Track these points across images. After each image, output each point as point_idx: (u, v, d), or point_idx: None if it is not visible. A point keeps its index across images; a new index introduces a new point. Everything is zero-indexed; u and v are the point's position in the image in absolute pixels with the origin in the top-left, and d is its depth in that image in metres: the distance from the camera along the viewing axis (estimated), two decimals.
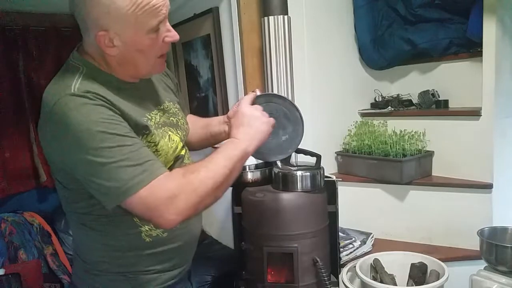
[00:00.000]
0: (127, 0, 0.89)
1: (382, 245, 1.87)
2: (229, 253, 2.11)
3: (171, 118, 1.13)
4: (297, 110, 1.22)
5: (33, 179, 2.51)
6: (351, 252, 1.78)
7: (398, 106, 2.09)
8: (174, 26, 1.00)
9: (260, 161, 1.60)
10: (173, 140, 1.10)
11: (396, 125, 2.01)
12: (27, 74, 2.43)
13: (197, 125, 1.32)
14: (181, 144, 1.14)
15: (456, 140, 1.89)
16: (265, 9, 1.74)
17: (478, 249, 1.54)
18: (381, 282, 1.51)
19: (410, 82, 2.23)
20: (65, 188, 1.02)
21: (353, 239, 1.85)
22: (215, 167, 0.95)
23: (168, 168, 0.98)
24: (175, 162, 1.11)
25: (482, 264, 1.53)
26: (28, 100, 2.43)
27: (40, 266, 2.23)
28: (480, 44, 1.77)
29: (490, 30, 1.71)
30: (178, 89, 1.28)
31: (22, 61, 2.42)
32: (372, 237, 1.89)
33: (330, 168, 2.11)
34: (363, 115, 2.22)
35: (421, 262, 1.57)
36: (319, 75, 2.04)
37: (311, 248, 1.43)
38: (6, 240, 2.24)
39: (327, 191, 1.52)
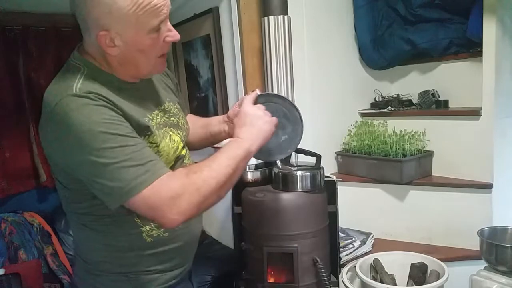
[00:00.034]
0: (128, 0, 0.89)
1: (382, 245, 1.87)
2: (229, 253, 2.11)
3: (171, 119, 1.13)
4: (297, 110, 1.22)
5: (33, 179, 2.51)
6: (351, 252, 1.78)
7: (398, 106, 2.09)
8: (174, 26, 1.00)
9: (260, 161, 1.60)
10: (174, 141, 1.10)
11: (396, 125, 2.01)
12: (27, 74, 2.43)
13: (196, 124, 1.32)
14: (181, 145, 1.14)
15: (456, 140, 1.89)
16: (265, 9, 1.74)
17: (478, 249, 1.54)
18: (381, 282, 1.51)
19: (410, 82, 2.23)
20: (66, 188, 1.02)
21: (353, 239, 1.85)
22: (218, 166, 0.95)
23: (169, 168, 0.98)
24: (176, 163, 1.11)
25: (482, 264, 1.53)
26: (28, 100, 2.43)
27: (40, 266, 2.23)
28: (480, 44, 1.77)
29: (490, 30, 1.71)
30: (178, 89, 1.28)
31: (22, 61, 2.41)
32: (372, 237, 1.89)
33: (330, 168, 2.11)
34: (363, 115, 2.22)
35: (421, 262, 1.57)
36: (319, 75, 2.04)
37: (311, 248, 1.43)
38: (6, 240, 2.23)
39: (327, 191, 1.52)
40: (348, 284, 1.51)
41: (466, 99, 1.95)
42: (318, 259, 1.42)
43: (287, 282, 1.46)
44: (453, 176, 1.90)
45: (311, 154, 1.46)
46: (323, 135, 2.07)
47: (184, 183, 0.91)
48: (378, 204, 1.98)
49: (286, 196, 1.44)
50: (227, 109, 1.40)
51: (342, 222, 1.70)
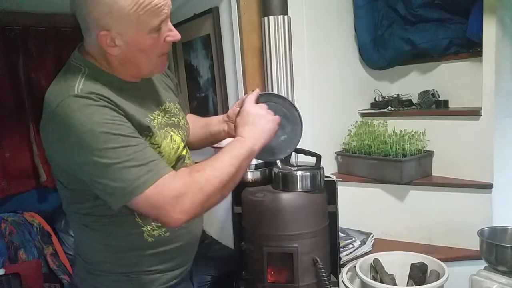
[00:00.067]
0: (129, 0, 0.89)
1: (382, 245, 1.87)
2: (229, 253, 2.11)
3: (172, 119, 1.14)
4: (296, 110, 1.22)
5: (33, 179, 2.51)
6: (351, 252, 1.78)
7: (398, 106, 2.09)
8: (174, 26, 1.00)
9: (260, 161, 1.60)
10: (175, 141, 1.10)
11: (396, 125, 2.01)
12: (27, 74, 2.43)
13: (196, 124, 1.32)
14: (182, 145, 1.14)
15: (456, 140, 1.89)
16: (265, 9, 1.74)
17: (478, 249, 1.54)
18: (381, 282, 1.51)
19: (410, 82, 2.23)
20: (67, 189, 1.02)
21: (353, 239, 1.85)
22: (221, 166, 0.95)
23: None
24: (177, 163, 1.11)
25: (482, 264, 1.53)
26: (28, 100, 2.43)
27: (40, 266, 2.23)
28: (480, 44, 1.77)
29: (490, 30, 1.71)
30: (178, 89, 1.28)
31: (22, 61, 2.41)
32: (372, 237, 1.89)
33: (330, 168, 2.11)
34: (363, 115, 2.22)
35: (421, 262, 1.57)
36: (319, 75, 2.04)
37: (311, 248, 1.43)
38: (6, 240, 2.23)
39: (327, 191, 1.52)
40: (348, 284, 1.51)
41: (466, 99, 1.95)
42: (318, 259, 1.42)
43: (287, 282, 1.46)
44: (453, 176, 1.90)
45: (311, 154, 1.46)
46: (323, 135, 2.07)
47: (187, 182, 0.91)
48: (378, 204, 1.98)
49: (286, 196, 1.44)
50: (227, 109, 1.40)
51: (342, 222, 1.70)
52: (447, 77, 2.08)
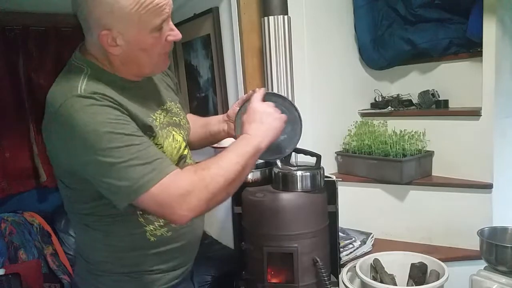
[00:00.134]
0: None
1: (382, 245, 1.87)
2: (229, 253, 2.11)
3: (174, 118, 1.14)
4: (296, 109, 1.22)
5: (33, 179, 2.51)
6: (351, 252, 1.78)
7: (398, 106, 2.09)
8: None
9: (260, 161, 1.60)
10: (177, 140, 1.10)
11: (396, 125, 2.01)
12: (27, 74, 2.43)
13: (196, 124, 1.32)
14: (184, 144, 1.14)
15: (456, 140, 1.89)
16: (265, 9, 1.74)
17: (478, 249, 1.54)
18: (381, 282, 1.51)
19: (410, 82, 2.23)
20: (69, 188, 1.02)
21: (353, 239, 1.85)
22: (227, 163, 0.96)
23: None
24: (179, 162, 1.11)
25: (482, 264, 1.53)
26: (28, 100, 2.42)
27: (40, 266, 2.23)
28: (480, 44, 1.77)
29: (490, 30, 1.71)
30: (178, 89, 1.28)
31: (22, 61, 2.41)
32: (372, 237, 1.88)
33: (330, 168, 2.10)
34: (363, 115, 2.22)
35: (421, 262, 1.57)
36: (319, 75, 2.04)
37: (311, 248, 1.43)
38: (6, 240, 2.23)
39: (327, 191, 1.52)
40: (348, 284, 1.51)
41: (466, 99, 1.95)
42: (318, 259, 1.42)
43: (287, 282, 1.46)
44: (453, 176, 1.90)
45: (311, 154, 1.46)
46: (323, 135, 2.07)
47: (193, 180, 0.91)
48: (378, 204, 1.98)
49: (286, 196, 1.44)
50: (227, 109, 1.40)
51: (342, 222, 1.70)
52: (447, 77, 2.08)
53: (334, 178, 1.54)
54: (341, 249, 1.75)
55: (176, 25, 0.99)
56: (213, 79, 2.27)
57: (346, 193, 1.87)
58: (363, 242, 1.83)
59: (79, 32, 0.99)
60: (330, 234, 1.52)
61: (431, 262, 1.55)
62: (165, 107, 1.12)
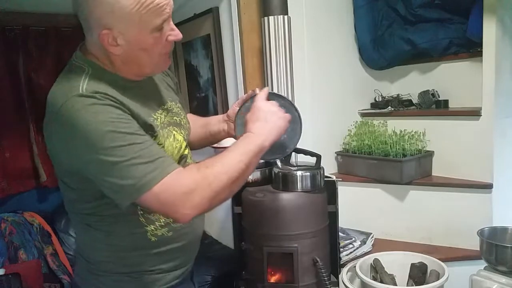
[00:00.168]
0: None
1: (382, 245, 1.87)
2: (229, 253, 2.11)
3: (174, 118, 1.14)
4: (296, 109, 1.22)
5: (33, 179, 2.51)
6: (351, 252, 1.78)
7: (398, 106, 2.09)
8: None
9: (260, 161, 1.60)
10: (178, 140, 1.10)
11: (396, 125, 2.01)
12: (27, 74, 2.43)
13: (196, 124, 1.32)
14: (184, 144, 1.14)
15: (456, 140, 1.89)
16: (265, 9, 1.74)
17: (478, 249, 1.54)
18: (381, 282, 1.51)
19: (410, 82, 2.23)
20: (70, 188, 1.02)
21: (353, 239, 1.85)
22: (230, 162, 0.95)
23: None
24: (180, 162, 1.11)
25: (482, 264, 1.53)
26: (28, 100, 2.42)
27: (40, 266, 2.23)
28: (480, 44, 1.77)
29: (490, 30, 1.71)
30: (178, 88, 1.28)
31: (22, 61, 2.41)
32: (372, 237, 1.88)
33: (330, 168, 2.10)
34: (363, 115, 2.22)
35: (421, 262, 1.57)
36: (319, 75, 2.04)
37: (311, 248, 1.43)
38: (6, 240, 2.23)
39: (327, 191, 1.52)
40: (348, 284, 1.51)
41: (466, 99, 1.95)
42: (318, 259, 1.42)
43: (287, 282, 1.46)
44: (453, 176, 1.90)
45: (311, 154, 1.46)
46: (323, 135, 2.07)
47: (196, 178, 0.91)
48: (378, 204, 1.98)
49: (286, 196, 1.44)
50: (227, 109, 1.40)
51: (342, 222, 1.70)
52: (447, 77, 2.08)
53: (334, 178, 1.54)
54: (341, 249, 1.75)
55: (176, 25, 0.99)
56: (213, 79, 2.27)
57: (346, 193, 1.87)
58: (363, 242, 1.83)
59: (79, 32, 0.99)
60: (330, 234, 1.52)
61: (431, 262, 1.55)
62: (165, 107, 1.12)
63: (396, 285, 1.55)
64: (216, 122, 1.32)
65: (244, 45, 1.90)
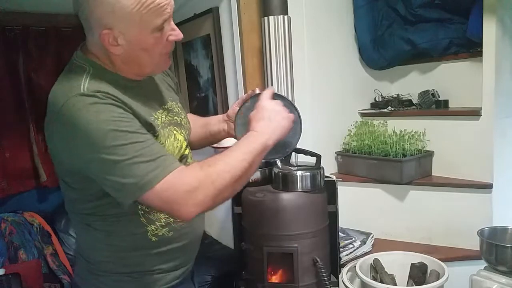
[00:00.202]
0: None
1: (382, 245, 1.87)
2: (229, 253, 2.11)
3: (175, 118, 1.14)
4: (296, 109, 1.22)
5: (33, 179, 2.51)
6: (351, 252, 1.78)
7: (398, 106, 2.09)
8: None
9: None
10: (178, 140, 1.10)
11: (396, 125, 2.01)
12: (27, 74, 2.43)
13: (196, 124, 1.32)
14: (185, 143, 1.14)
15: (456, 140, 1.89)
16: (265, 9, 1.74)
17: (478, 249, 1.54)
18: (381, 282, 1.51)
19: (410, 82, 2.23)
20: (71, 188, 1.02)
21: (353, 239, 1.85)
22: (233, 160, 0.95)
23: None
24: (180, 162, 1.11)
25: (482, 264, 1.53)
26: (28, 100, 2.42)
27: (40, 266, 2.23)
28: (480, 44, 1.77)
29: (490, 30, 1.71)
30: (178, 88, 1.28)
31: (22, 61, 2.41)
32: (372, 237, 1.89)
33: (330, 168, 2.10)
34: (363, 115, 2.22)
35: (421, 262, 1.57)
36: (319, 75, 2.04)
37: (311, 248, 1.43)
38: (6, 240, 2.23)
39: (327, 191, 1.52)
40: (348, 284, 1.51)
41: (466, 99, 1.95)
42: (318, 259, 1.42)
43: (287, 282, 1.46)
44: (453, 176, 1.90)
45: (311, 154, 1.46)
46: (323, 135, 2.07)
47: (199, 176, 0.91)
48: (378, 204, 1.98)
49: (286, 196, 1.44)
50: (227, 109, 1.40)
51: (342, 222, 1.70)
52: (447, 77, 2.08)
53: (334, 178, 1.54)
54: (341, 249, 1.75)
55: (176, 25, 1.00)
56: (213, 79, 2.27)
57: (346, 193, 1.87)
58: (363, 242, 1.83)
59: (79, 32, 0.99)
60: (330, 234, 1.52)
61: (431, 262, 1.55)
62: (166, 106, 1.13)
63: (396, 285, 1.55)
64: (216, 122, 1.32)
65: (244, 45, 1.90)
